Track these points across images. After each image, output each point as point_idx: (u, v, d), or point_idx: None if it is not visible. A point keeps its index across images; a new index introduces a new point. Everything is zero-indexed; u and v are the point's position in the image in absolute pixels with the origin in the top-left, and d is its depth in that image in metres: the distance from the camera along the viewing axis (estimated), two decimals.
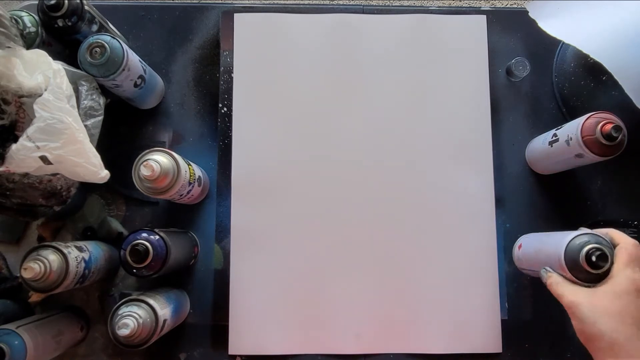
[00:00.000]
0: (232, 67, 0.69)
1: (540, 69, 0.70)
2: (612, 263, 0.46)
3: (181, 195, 0.58)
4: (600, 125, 0.54)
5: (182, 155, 0.56)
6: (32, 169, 0.49)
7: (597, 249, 0.47)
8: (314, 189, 0.67)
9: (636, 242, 0.46)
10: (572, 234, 0.50)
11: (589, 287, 0.46)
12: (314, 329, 0.64)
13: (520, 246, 0.63)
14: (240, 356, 0.64)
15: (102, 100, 0.57)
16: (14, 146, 0.47)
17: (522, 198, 0.68)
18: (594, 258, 0.46)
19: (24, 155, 0.47)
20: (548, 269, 0.51)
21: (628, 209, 0.67)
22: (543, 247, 0.56)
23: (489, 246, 0.66)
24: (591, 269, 0.47)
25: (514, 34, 0.71)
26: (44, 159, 0.48)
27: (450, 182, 0.68)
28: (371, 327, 0.65)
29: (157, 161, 0.52)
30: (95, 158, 0.52)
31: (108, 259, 0.61)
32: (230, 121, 0.68)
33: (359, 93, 0.69)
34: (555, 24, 0.57)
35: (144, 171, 0.51)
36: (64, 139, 0.48)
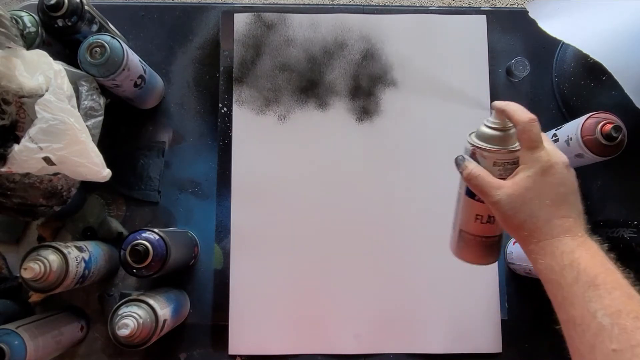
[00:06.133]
0: (232, 67, 0.69)
1: (540, 69, 0.70)
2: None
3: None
4: (600, 125, 0.54)
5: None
6: (34, 170, 0.49)
7: None
8: (313, 189, 0.67)
9: (532, 116, 0.40)
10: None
11: (503, 179, 0.42)
12: (313, 329, 0.64)
13: (515, 242, 0.64)
14: (240, 356, 0.64)
15: (102, 101, 0.57)
16: (16, 147, 0.47)
17: None
18: None
19: (27, 156, 0.47)
20: (465, 156, 0.45)
21: (628, 209, 0.67)
22: None
23: None
24: None
25: (514, 34, 0.71)
26: (47, 159, 0.48)
27: (450, 182, 0.67)
28: (371, 327, 0.65)
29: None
30: (98, 157, 0.52)
31: (108, 259, 0.61)
32: (230, 121, 0.68)
33: None
34: (555, 24, 0.57)
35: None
36: (66, 139, 0.48)
